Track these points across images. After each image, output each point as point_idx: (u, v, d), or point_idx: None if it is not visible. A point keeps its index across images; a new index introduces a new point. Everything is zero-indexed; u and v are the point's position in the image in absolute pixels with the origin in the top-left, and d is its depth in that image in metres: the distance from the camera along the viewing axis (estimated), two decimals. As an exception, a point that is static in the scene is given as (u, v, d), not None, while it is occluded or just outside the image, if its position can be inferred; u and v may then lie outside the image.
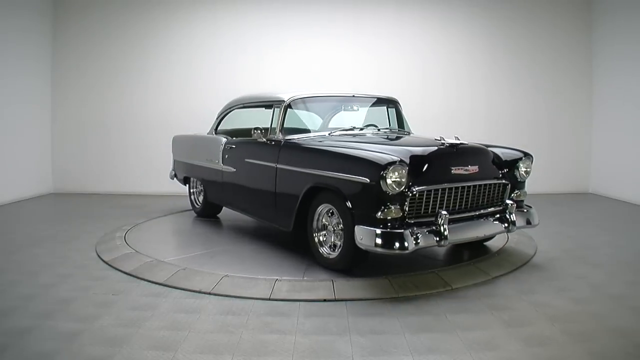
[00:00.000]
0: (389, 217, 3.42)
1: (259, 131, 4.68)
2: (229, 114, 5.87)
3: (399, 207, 3.45)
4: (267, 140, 4.62)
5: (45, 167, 8.53)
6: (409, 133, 5.08)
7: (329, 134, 4.60)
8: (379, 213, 3.41)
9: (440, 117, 8.44)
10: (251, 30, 8.45)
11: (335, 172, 3.73)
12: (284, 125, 4.64)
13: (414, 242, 3.37)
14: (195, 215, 6.28)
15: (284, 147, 4.43)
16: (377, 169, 3.41)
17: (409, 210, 3.52)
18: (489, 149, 4.24)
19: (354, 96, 5.14)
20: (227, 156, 5.29)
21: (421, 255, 4.35)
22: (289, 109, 4.71)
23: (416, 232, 3.42)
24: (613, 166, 8.05)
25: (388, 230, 3.39)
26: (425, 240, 3.43)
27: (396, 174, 3.41)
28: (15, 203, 7.40)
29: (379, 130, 4.89)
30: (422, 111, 8.26)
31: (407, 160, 3.55)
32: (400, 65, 8.50)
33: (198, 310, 3.14)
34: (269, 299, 3.34)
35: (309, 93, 4.96)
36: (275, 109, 4.77)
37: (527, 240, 4.89)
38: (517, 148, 4.40)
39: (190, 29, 8.50)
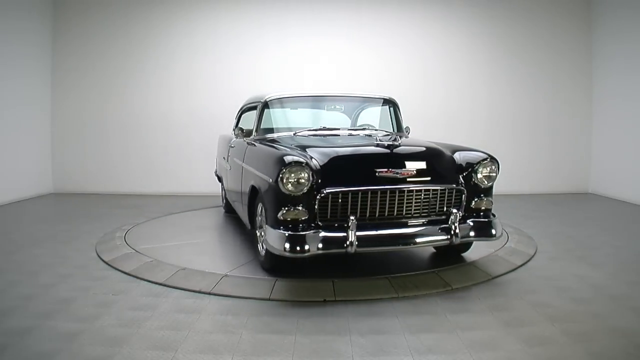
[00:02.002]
0: (290, 219, 3.34)
1: (241, 131, 4.79)
2: (243, 115, 5.97)
3: (305, 208, 3.35)
4: (246, 140, 4.70)
5: (45, 167, 8.53)
6: (390, 133, 4.82)
7: (294, 134, 4.53)
8: (280, 214, 3.35)
9: (441, 117, 8.46)
10: (251, 30, 8.45)
11: (258, 172, 3.78)
12: (262, 125, 4.73)
13: (317, 246, 3.25)
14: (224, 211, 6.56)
15: (249, 146, 4.49)
16: (276, 169, 3.36)
17: (320, 212, 3.39)
18: (456, 151, 3.92)
19: (338, 96, 5.11)
20: (229, 154, 5.40)
21: (421, 255, 4.35)
22: (266, 109, 4.80)
23: (321, 236, 3.29)
24: (613, 166, 8.06)
25: (287, 231, 3.29)
26: (331, 245, 3.28)
27: (295, 174, 3.31)
28: (15, 203, 7.40)
29: (375, 130, 4.78)
30: (423, 111, 8.29)
31: (322, 161, 3.47)
32: (402, 65, 8.50)
33: (198, 310, 3.14)
34: (269, 299, 3.33)
35: (287, 93, 4.98)
36: (257, 109, 4.87)
37: (527, 240, 4.89)
38: (483, 150, 3.95)
39: (191, 29, 8.50)
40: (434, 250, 4.43)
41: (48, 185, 8.55)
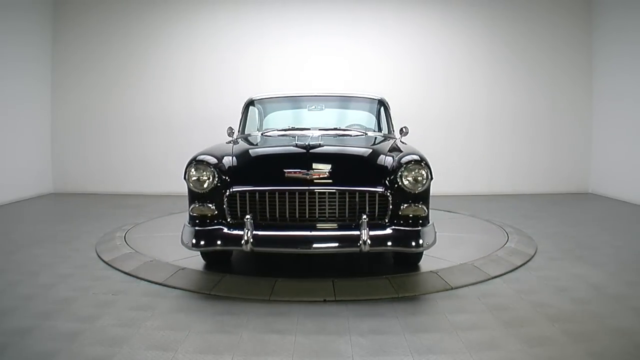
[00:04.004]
0: (199, 215, 3.49)
1: (230, 130, 4.94)
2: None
3: (214, 206, 3.46)
4: (231, 139, 4.79)
5: (45, 167, 8.54)
6: (364, 133, 4.67)
7: (262, 134, 4.67)
8: (190, 209, 3.53)
9: (441, 116, 8.49)
10: (253, 30, 8.45)
11: None
12: (247, 125, 4.90)
13: (217, 242, 3.37)
14: None
15: None
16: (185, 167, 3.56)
17: (231, 210, 3.45)
18: (391, 154, 3.68)
19: (325, 96, 5.13)
20: None
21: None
22: (249, 110, 4.99)
23: (222, 233, 3.38)
24: (613, 166, 8.06)
25: (193, 227, 3.47)
26: (230, 242, 3.37)
27: (196, 172, 3.48)
28: (15, 203, 7.40)
29: (353, 130, 4.70)
30: (423, 112, 8.30)
31: (235, 161, 3.59)
32: (402, 65, 8.51)
33: (198, 310, 3.14)
34: (269, 300, 3.34)
35: (269, 94, 5.12)
36: (242, 109, 5.04)
37: (527, 240, 4.89)
38: (417, 153, 3.64)
39: (192, 29, 8.51)
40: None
41: (48, 185, 8.55)
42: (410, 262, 3.99)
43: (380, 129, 4.95)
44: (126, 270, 3.95)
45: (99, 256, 4.39)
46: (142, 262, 4.09)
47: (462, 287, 3.56)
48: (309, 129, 4.57)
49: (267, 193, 3.40)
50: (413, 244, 3.37)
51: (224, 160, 3.60)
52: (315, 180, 3.38)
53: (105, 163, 8.62)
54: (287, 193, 3.38)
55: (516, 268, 4.03)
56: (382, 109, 5.04)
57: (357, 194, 3.40)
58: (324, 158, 3.55)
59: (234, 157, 3.65)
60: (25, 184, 7.89)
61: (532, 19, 8.53)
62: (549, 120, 8.64)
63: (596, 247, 4.78)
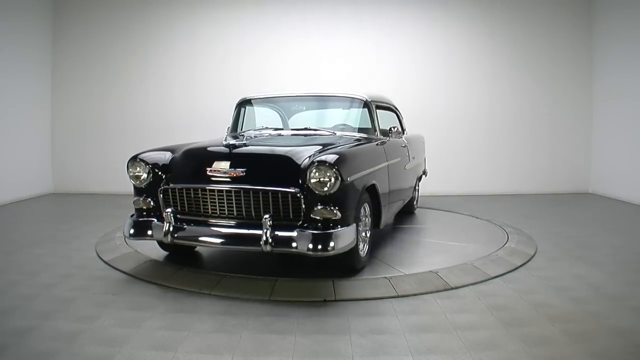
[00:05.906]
0: (139, 208, 3.84)
1: (228, 129, 5.06)
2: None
3: (151, 200, 3.78)
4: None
5: (45, 167, 8.54)
6: (335, 133, 4.55)
7: (239, 134, 4.80)
8: (133, 201, 3.86)
9: (442, 117, 8.48)
10: (254, 31, 8.46)
11: None
12: (238, 124, 5.06)
13: (147, 232, 3.70)
14: None
15: None
16: None
17: (165, 204, 3.72)
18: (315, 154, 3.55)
19: (312, 95, 5.12)
20: None
21: (420, 255, 4.36)
22: (240, 110, 5.12)
23: (151, 224, 3.69)
24: (613, 166, 8.06)
25: (130, 218, 3.81)
26: (155, 233, 3.67)
27: (134, 169, 3.83)
28: (15, 203, 7.40)
29: (324, 130, 4.65)
30: (424, 112, 8.29)
31: (172, 159, 3.86)
32: (403, 66, 8.51)
33: (198, 310, 3.14)
34: (269, 300, 3.34)
35: (259, 94, 5.20)
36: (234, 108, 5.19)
37: (527, 240, 4.90)
38: (338, 152, 3.55)
39: (193, 29, 8.51)
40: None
41: (48, 185, 8.55)
42: (347, 267, 3.78)
43: (364, 129, 4.83)
44: (126, 270, 3.95)
45: (99, 256, 4.39)
46: (142, 262, 4.10)
47: (462, 287, 3.56)
48: (282, 129, 4.76)
49: (191, 190, 3.63)
50: (319, 247, 3.24)
51: (162, 158, 3.88)
52: (232, 179, 3.50)
53: (105, 163, 8.61)
54: (207, 190, 3.57)
55: (516, 268, 4.03)
56: (367, 109, 4.91)
57: (270, 193, 3.43)
58: (243, 157, 3.68)
59: (172, 156, 3.90)
60: (25, 184, 7.89)
61: (533, 19, 8.53)
62: (549, 120, 8.64)
63: (596, 247, 4.78)
